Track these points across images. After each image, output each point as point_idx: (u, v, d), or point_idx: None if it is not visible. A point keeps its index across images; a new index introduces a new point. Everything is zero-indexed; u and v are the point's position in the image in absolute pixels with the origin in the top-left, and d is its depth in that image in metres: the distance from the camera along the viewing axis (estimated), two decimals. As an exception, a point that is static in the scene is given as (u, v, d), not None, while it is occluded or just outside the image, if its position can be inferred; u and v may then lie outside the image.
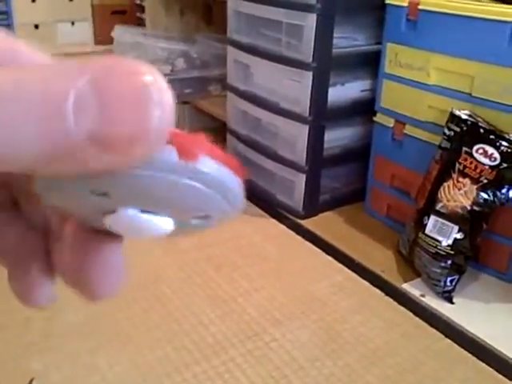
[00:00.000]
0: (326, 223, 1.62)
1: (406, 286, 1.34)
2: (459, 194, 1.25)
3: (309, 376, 1.07)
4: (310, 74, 1.48)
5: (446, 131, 1.29)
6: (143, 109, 0.14)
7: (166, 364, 1.07)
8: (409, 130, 1.46)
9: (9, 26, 2.81)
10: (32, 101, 0.14)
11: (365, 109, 1.60)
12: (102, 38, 3.05)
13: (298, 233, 1.56)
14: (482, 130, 1.23)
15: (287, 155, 1.63)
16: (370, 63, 1.56)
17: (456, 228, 1.26)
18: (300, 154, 1.59)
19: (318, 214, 1.66)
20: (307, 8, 1.43)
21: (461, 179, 1.25)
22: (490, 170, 1.21)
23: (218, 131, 2.11)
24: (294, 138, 1.59)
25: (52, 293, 0.22)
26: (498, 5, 1.28)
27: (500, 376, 1.09)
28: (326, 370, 1.08)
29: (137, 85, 0.14)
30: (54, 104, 0.14)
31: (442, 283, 1.29)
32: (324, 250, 1.48)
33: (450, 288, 1.29)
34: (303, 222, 1.62)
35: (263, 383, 1.05)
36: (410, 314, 1.25)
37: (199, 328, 1.17)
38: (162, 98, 0.15)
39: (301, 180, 1.62)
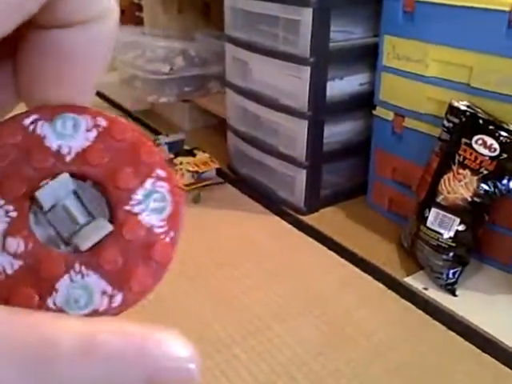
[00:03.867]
0: (327, 218, 1.62)
1: (409, 280, 1.34)
2: (460, 186, 1.25)
3: (312, 371, 1.07)
4: (307, 69, 1.48)
5: (446, 123, 1.29)
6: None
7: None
8: (408, 122, 1.45)
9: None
10: None
11: (364, 102, 1.59)
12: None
13: (299, 229, 1.56)
14: (481, 121, 1.22)
15: (287, 151, 1.63)
16: (368, 56, 1.55)
17: (457, 220, 1.26)
18: (300, 150, 1.58)
19: (319, 209, 1.66)
20: (303, 2, 1.42)
21: (461, 171, 1.24)
22: (489, 161, 1.21)
23: (219, 128, 2.11)
24: (294, 134, 1.59)
25: None
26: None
27: (504, 368, 1.08)
28: (330, 365, 1.08)
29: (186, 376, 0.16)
30: None
31: (445, 276, 1.29)
32: (326, 245, 1.47)
33: (452, 280, 1.29)
34: (305, 218, 1.61)
35: (267, 379, 1.05)
36: (413, 307, 1.24)
37: (202, 325, 1.17)
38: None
39: (301, 176, 1.61)
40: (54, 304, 0.17)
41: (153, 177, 0.19)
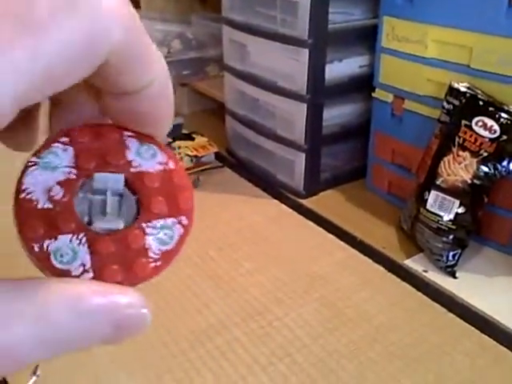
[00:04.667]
0: (327, 202, 1.61)
1: (409, 262, 1.34)
2: (459, 168, 1.24)
3: (312, 353, 1.07)
4: (306, 51, 1.47)
5: (445, 105, 1.28)
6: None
7: (170, 346, 1.07)
8: (408, 104, 1.44)
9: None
10: None
11: (363, 85, 1.58)
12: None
13: (299, 212, 1.56)
14: (481, 103, 1.21)
15: (286, 134, 1.62)
16: (367, 38, 1.54)
17: (457, 202, 1.25)
18: (299, 133, 1.58)
19: (319, 192, 1.65)
20: (302, -16, 1.41)
21: (461, 153, 1.24)
22: (489, 143, 1.20)
23: (217, 112, 2.10)
24: (293, 117, 1.58)
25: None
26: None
27: (504, 349, 1.09)
28: (330, 347, 1.09)
29: (142, 321, 0.22)
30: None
31: (445, 258, 1.29)
32: (326, 229, 1.47)
33: (452, 262, 1.29)
34: (304, 202, 1.61)
35: (267, 362, 1.05)
36: (413, 289, 1.24)
37: (201, 308, 1.17)
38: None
39: (301, 159, 1.61)
40: (47, 247, 0.22)
41: (177, 219, 0.25)
